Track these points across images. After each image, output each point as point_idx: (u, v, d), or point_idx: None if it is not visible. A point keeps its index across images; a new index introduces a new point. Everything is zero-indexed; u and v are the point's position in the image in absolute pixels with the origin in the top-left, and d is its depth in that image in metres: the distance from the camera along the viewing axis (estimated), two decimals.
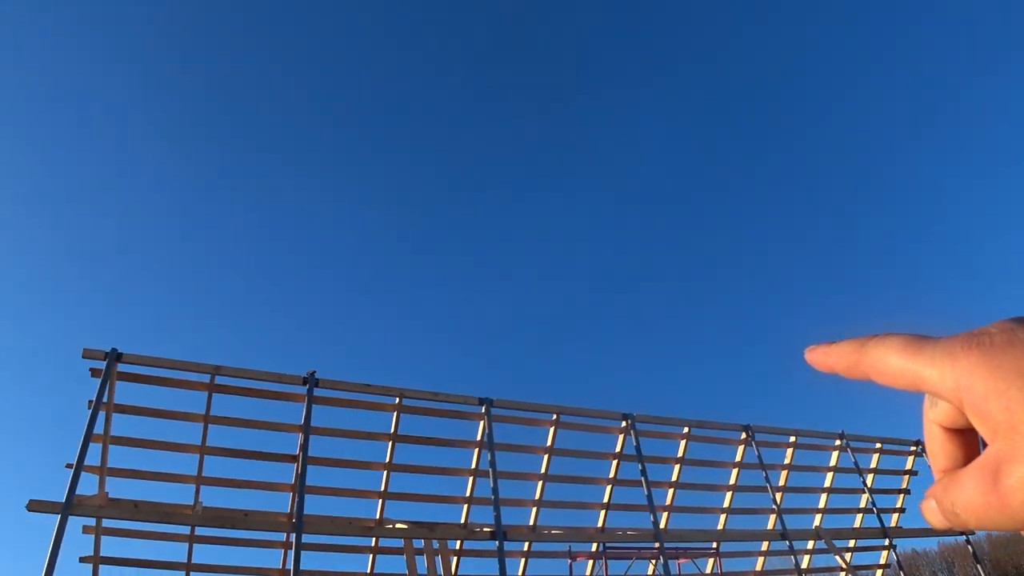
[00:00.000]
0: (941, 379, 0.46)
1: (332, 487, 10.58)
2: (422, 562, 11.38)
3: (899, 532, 17.02)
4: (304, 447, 9.82)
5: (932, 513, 0.49)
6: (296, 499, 9.66)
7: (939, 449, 0.53)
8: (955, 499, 0.46)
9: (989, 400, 0.43)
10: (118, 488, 9.79)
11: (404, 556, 11.34)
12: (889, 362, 0.49)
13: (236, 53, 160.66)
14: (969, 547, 18.11)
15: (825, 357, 0.54)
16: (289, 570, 9.54)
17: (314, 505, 10.33)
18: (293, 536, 9.44)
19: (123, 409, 9.66)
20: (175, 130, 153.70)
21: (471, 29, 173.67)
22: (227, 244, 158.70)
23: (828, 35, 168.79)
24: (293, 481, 10.04)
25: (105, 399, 9.23)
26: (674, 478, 13.95)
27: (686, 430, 13.91)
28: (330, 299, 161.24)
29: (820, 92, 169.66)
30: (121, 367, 9.40)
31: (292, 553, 9.29)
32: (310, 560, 10.98)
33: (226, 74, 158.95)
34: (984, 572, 18.09)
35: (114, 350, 9.24)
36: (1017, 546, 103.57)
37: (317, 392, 10.05)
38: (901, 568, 16.56)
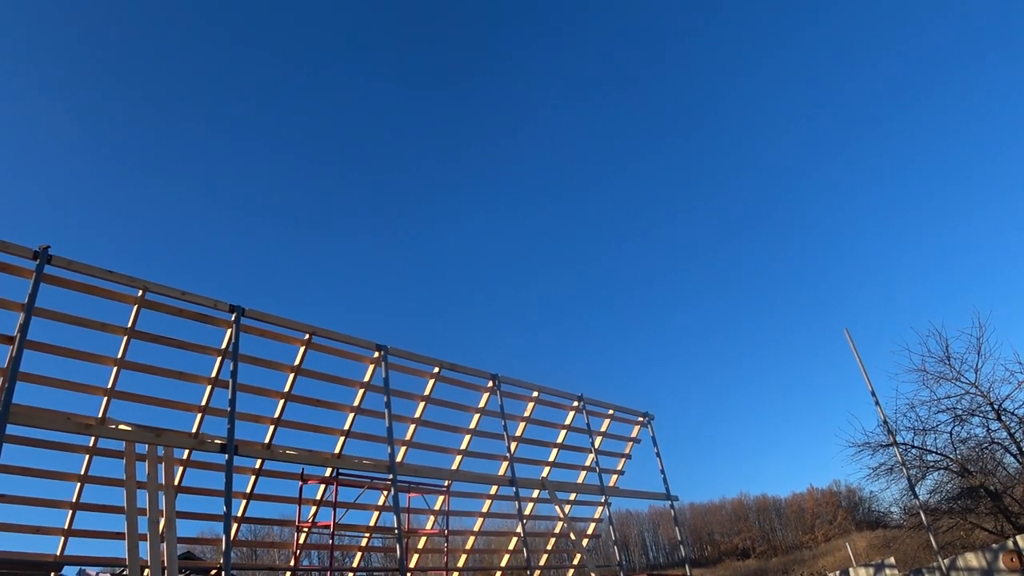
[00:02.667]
0: None
1: (51, 377, 9.72)
2: (144, 468, 10.86)
3: (615, 492, 18.49)
4: (24, 329, 8.96)
5: None
6: (6, 385, 8.83)
7: None
8: None
9: None
10: None
11: (124, 460, 10.76)
12: None
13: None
14: (672, 512, 19.99)
15: None
16: None
17: (27, 395, 9.47)
18: None
19: None
20: None
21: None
22: None
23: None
24: (5, 365, 9.14)
25: None
26: (417, 415, 14.25)
27: (436, 370, 14.23)
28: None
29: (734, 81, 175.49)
30: None
31: None
32: (15, 455, 10.05)
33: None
34: (681, 534, 20.14)
35: None
36: (713, 516, 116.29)
37: (49, 270, 9.15)
38: (612, 523, 18.01)
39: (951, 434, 21.64)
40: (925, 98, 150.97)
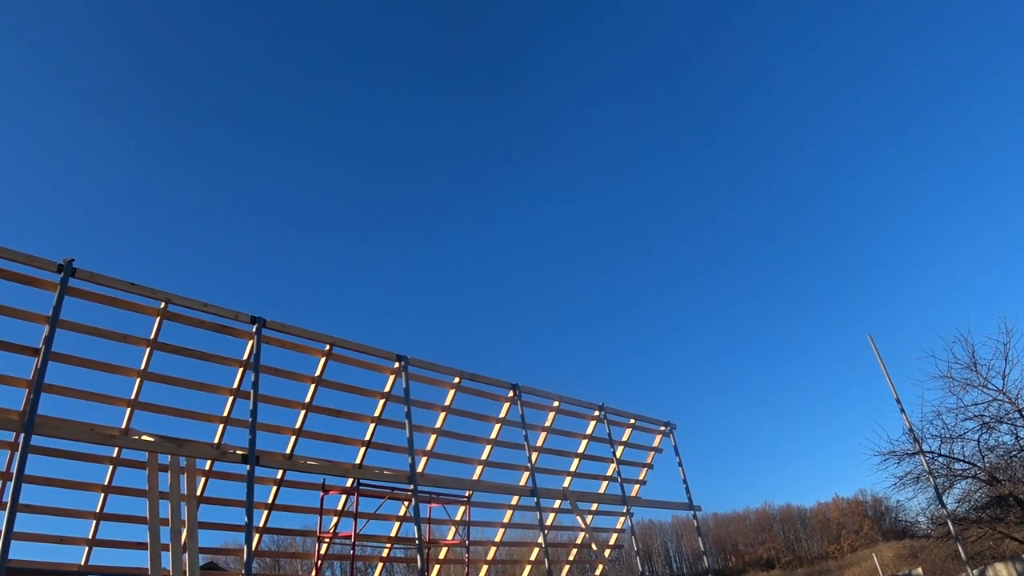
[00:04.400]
0: None
1: (75, 388, 9.81)
2: (166, 479, 10.92)
3: (637, 502, 18.38)
4: (48, 340, 9.07)
5: None
6: (31, 397, 8.93)
7: None
8: None
9: None
10: None
11: (147, 471, 10.84)
12: None
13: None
14: (695, 522, 19.84)
15: None
16: (12, 473, 8.78)
17: (52, 406, 9.58)
18: (22, 436, 8.70)
19: None
20: None
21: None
22: None
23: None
24: (31, 377, 9.25)
25: None
26: (438, 425, 14.24)
27: (457, 380, 14.22)
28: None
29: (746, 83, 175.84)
30: None
31: (18, 455, 8.56)
32: (40, 465, 10.14)
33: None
34: (705, 544, 19.98)
35: None
36: (736, 526, 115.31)
37: (73, 283, 9.26)
38: (634, 534, 17.88)
39: (979, 442, 21.28)
40: (951, 102, 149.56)
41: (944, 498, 20.59)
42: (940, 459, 21.86)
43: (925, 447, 21.00)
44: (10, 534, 7.90)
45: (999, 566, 19.73)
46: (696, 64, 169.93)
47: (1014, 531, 22.14)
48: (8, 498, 8.16)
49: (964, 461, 21.78)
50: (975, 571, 19.49)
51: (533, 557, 17.14)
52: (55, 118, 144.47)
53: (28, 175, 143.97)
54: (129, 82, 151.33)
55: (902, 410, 20.76)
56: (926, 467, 20.35)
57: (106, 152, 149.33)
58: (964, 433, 21.38)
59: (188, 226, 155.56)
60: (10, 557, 7.87)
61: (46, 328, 9.09)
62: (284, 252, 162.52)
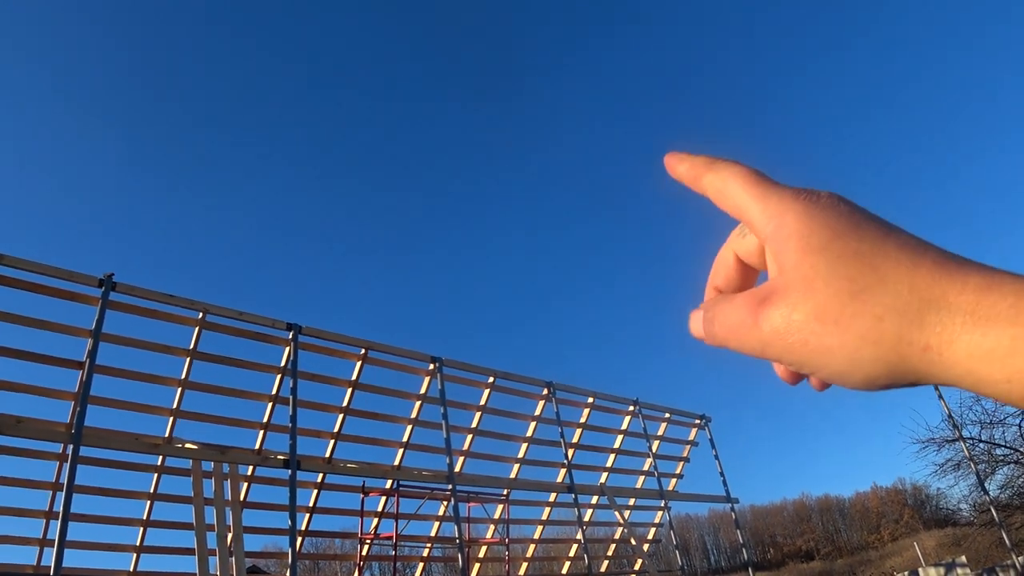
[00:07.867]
0: (763, 216, 0.51)
1: (119, 400, 10.05)
2: (210, 485, 11.12)
3: (675, 496, 18.35)
4: (92, 354, 9.28)
5: (696, 321, 0.56)
6: (77, 409, 9.15)
7: (724, 271, 0.60)
8: (718, 313, 0.53)
9: (790, 241, 0.48)
10: None
11: (191, 478, 11.04)
12: (727, 186, 0.54)
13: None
14: (733, 515, 19.76)
15: (679, 162, 0.58)
16: (63, 483, 9.01)
17: (98, 417, 9.84)
18: (71, 448, 8.93)
19: None
20: None
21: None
22: None
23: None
24: (76, 389, 9.48)
25: None
26: (474, 425, 14.32)
27: (491, 380, 14.30)
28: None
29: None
30: None
31: (68, 466, 8.79)
32: (88, 475, 10.40)
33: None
34: (743, 537, 19.92)
35: None
36: (773, 518, 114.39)
37: (113, 296, 9.48)
38: (672, 528, 17.87)
39: (1020, 427, 21.04)
40: (949, 97, 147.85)
41: (986, 485, 20.33)
42: (981, 445, 21.65)
43: (965, 433, 20.81)
44: (63, 543, 8.12)
45: None
46: (679, 69, 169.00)
47: None
48: (60, 508, 8.37)
49: (1006, 447, 21.56)
50: (1020, 558, 19.22)
51: (572, 553, 17.19)
52: (92, 139, 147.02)
53: (66, 196, 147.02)
54: (163, 102, 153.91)
55: (940, 396, 20.50)
56: (967, 453, 20.11)
57: (138, 169, 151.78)
58: (1005, 418, 21.17)
59: (219, 240, 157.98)
60: (64, 565, 8.08)
61: (89, 341, 9.31)
62: (317, 261, 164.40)
